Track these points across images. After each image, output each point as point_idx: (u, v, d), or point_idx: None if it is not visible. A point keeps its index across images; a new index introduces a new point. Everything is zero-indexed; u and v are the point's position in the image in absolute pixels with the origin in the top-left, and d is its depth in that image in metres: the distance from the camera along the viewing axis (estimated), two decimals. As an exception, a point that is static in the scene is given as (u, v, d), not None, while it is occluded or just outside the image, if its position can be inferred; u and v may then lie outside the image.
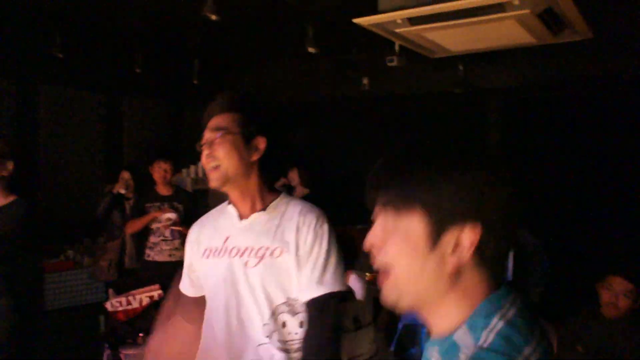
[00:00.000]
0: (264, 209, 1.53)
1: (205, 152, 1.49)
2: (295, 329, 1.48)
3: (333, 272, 1.49)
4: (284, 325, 1.48)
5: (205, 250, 1.57)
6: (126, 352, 3.41)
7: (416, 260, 0.77)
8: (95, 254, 4.73)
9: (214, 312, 1.54)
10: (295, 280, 1.48)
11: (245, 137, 1.49)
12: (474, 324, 0.74)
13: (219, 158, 1.47)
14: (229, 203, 1.57)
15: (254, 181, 1.52)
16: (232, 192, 1.53)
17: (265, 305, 1.47)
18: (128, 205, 4.47)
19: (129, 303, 3.60)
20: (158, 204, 4.05)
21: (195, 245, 1.61)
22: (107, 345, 3.57)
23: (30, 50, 4.82)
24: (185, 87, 5.99)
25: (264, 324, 1.47)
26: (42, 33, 4.69)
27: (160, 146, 5.30)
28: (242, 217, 1.54)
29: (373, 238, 0.81)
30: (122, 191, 4.41)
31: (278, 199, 1.56)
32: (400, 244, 0.78)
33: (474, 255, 0.75)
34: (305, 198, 5.17)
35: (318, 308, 1.46)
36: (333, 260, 1.50)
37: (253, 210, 1.53)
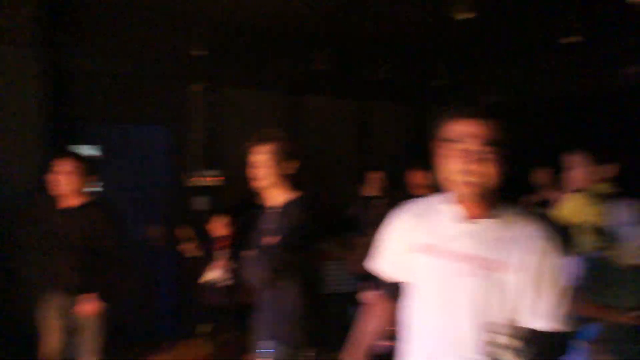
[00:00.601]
0: (493, 215, 1.37)
1: (467, 166, 1.30)
2: (511, 353, 1.36)
3: (567, 309, 1.36)
4: (498, 346, 1.35)
5: (420, 245, 1.45)
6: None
7: None
8: (349, 249, 5.12)
9: (422, 310, 1.46)
10: (518, 303, 1.34)
11: (507, 148, 1.32)
12: None
13: (484, 175, 1.30)
14: (449, 201, 1.40)
15: (492, 187, 1.33)
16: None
17: (479, 320, 1.35)
18: (380, 206, 4.71)
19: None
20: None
21: (408, 235, 1.49)
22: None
23: (296, 65, 5.50)
24: (427, 90, 6.09)
25: (475, 340, 1.35)
26: (306, 51, 5.30)
27: (419, 154, 5.51)
28: (467, 219, 1.38)
29: None
30: (374, 193, 4.69)
31: (507, 206, 1.39)
32: None
33: None
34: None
35: (551, 343, 1.36)
36: (569, 297, 1.38)
37: (481, 215, 1.37)
